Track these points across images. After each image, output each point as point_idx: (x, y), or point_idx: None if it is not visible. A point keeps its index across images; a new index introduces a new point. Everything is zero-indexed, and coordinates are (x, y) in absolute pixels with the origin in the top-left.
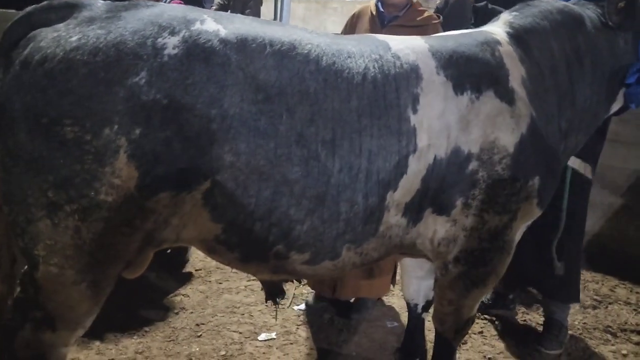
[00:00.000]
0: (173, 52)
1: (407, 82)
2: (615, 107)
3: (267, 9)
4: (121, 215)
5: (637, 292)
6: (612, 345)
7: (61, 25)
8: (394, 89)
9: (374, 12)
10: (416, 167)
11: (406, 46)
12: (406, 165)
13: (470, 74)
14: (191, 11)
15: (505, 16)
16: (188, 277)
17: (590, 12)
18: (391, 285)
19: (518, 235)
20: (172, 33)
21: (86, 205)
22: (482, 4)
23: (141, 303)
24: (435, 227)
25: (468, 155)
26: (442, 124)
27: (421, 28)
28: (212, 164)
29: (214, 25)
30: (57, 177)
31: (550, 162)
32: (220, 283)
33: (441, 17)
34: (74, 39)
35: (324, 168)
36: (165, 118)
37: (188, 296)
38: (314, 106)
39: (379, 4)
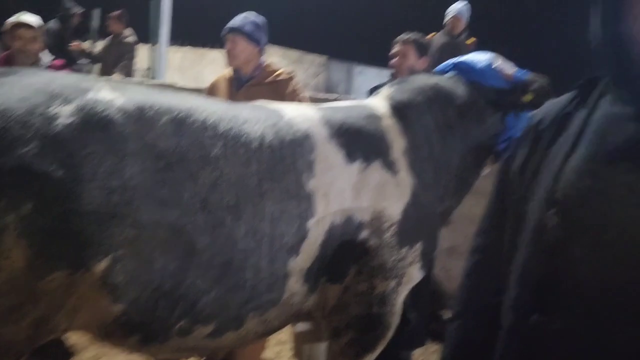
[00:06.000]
0: (67, 121)
1: (302, 149)
2: (485, 171)
3: (142, 56)
4: (10, 301)
5: None
6: None
7: None
8: (291, 154)
9: (231, 75)
10: (315, 232)
11: (299, 114)
12: (306, 229)
13: (359, 144)
14: (84, 79)
15: (386, 91)
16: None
17: (461, 90)
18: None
19: (402, 298)
20: (65, 101)
21: None
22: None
23: None
24: (328, 295)
25: (360, 223)
26: (336, 191)
27: (274, 84)
28: (113, 239)
29: (110, 93)
30: None
31: (430, 228)
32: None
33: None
34: None
35: (230, 234)
36: (61, 191)
37: None
38: (215, 171)
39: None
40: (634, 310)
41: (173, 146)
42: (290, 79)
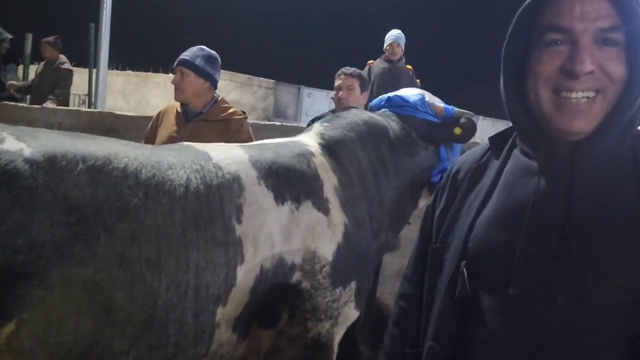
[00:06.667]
0: None
1: (230, 193)
2: (422, 202)
3: (81, 81)
4: None
5: None
6: None
7: None
8: (218, 199)
9: (179, 109)
10: (244, 279)
11: (227, 156)
12: (235, 277)
13: (289, 184)
14: None
15: (317, 127)
16: None
17: (394, 124)
18: None
19: (338, 339)
20: None
21: None
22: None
23: None
24: (261, 340)
25: (292, 266)
26: (266, 235)
27: (224, 122)
28: (18, 301)
29: (16, 143)
30: None
31: (364, 266)
32: None
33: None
34: None
35: (150, 289)
36: None
37: None
38: (134, 223)
39: None
40: None
41: (87, 198)
42: (244, 119)
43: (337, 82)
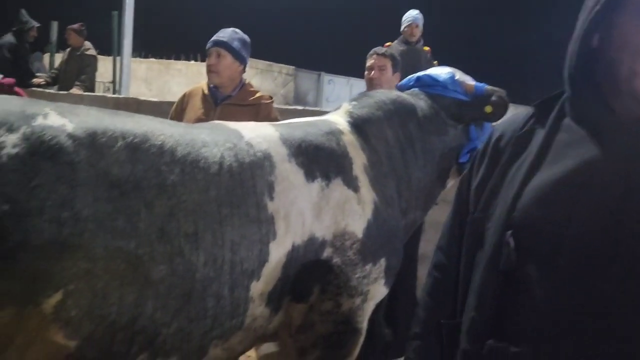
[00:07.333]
0: (13, 151)
1: (261, 170)
2: (450, 183)
3: (105, 69)
4: None
5: None
6: None
7: None
8: (250, 177)
9: (207, 92)
10: (277, 255)
11: (258, 134)
12: (267, 253)
13: (319, 162)
14: (30, 104)
15: (346, 106)
16: None
17: (422, 103)
18: None
19: (368, 315)
20: (10, 130)
21: None
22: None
23: None
24: (293, 314)
25: (322, 242)
26: (297, 211)
27: (253, 107)
28: (64, 272)
29: (59, 119)
30: None
31: (393, 243)
32: None
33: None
34: None
35: (189, 263)
36: (6, 226)
37: None
38: (172, 199)
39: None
40: (589, 333)
41: (127, 173)
42: (271, 103)
43: (368, 62)
